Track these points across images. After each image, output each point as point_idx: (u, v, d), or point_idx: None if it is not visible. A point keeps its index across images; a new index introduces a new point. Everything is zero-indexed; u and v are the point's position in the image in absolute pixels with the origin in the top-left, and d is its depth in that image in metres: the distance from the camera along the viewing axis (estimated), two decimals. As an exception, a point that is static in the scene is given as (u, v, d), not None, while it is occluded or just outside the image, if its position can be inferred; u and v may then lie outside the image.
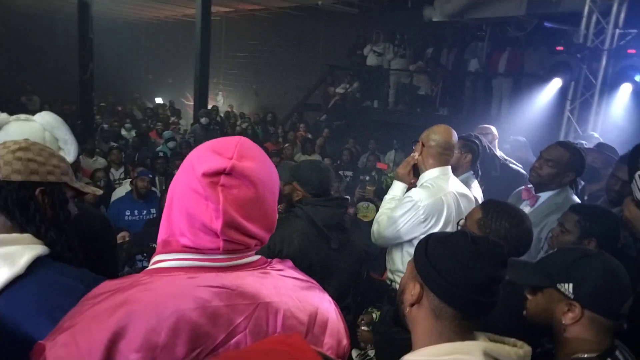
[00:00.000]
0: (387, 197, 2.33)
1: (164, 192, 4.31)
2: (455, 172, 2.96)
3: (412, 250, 1.55)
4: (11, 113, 1.69)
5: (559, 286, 1.25)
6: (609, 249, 1.88)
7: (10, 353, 0.91)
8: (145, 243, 3.10)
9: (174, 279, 0.82)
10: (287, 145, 8.02)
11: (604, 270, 1.22)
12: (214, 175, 0.82)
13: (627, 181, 2.24)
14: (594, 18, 5.94)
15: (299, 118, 11.14)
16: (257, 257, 0.93)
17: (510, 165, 3.69)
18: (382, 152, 8.13)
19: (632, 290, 1.74)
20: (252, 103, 14.98)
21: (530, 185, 2.44)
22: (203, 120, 8.07)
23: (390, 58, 10.24)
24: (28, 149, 1.11)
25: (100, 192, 1.52)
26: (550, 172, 2.30)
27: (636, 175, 2.00)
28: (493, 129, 3.91)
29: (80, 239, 1.48)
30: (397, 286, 1.65)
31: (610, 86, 5.90)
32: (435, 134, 2.21)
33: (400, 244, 2.17)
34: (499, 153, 3.87)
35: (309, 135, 9.08)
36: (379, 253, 2.96)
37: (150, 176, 4.73)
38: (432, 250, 1.03)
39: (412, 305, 1.05)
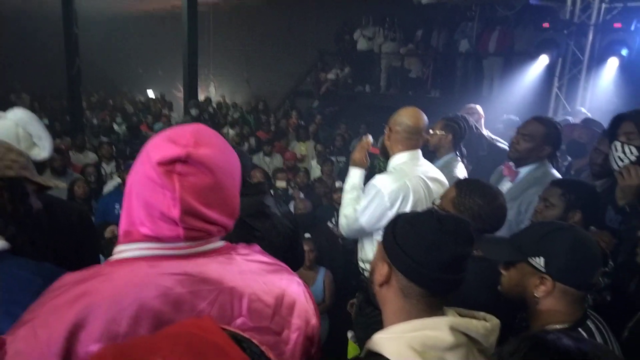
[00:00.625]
0: (346, 186, 2.32)
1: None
2: (437, 153, 2.97)
3: None
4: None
5: (530, 260, 1.27)
6: (593, 221, 1.91)
7: None
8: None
9: (134, 269, 0.83)
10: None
11: (573, 242, 1.23)
12: (169, 163, 0.82)
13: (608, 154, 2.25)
14: (580, -7, 5.90)
15: (291, 106, 11.09)
16: (222, 243, 0.93)
17: (498, 144, 3.70)
18: (375, 136, 8.10)
19: (612, 262, 1.78)
20: (245, 92, 14.88)
21: (511, 163, 2.45)
22: (193, 111, 8.03)
23: (380, 42, 10.18)
24: None
25: (64, 185, 1.52)
26: (527, 146, 2.34)
27: (613, 146, 2.02)
28: (479, 108, 3.91)
29: (57, 233, 1.49)
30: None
31: (597, 61, 5.89)
32: (402, 118, 2.19)
33: (370, 233, 2.16)
34: (485, 132, 3.87)
35: (302, 123, 9.06)
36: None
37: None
38: (399, 231, 1.04)
39: (381, 285, 1.06)
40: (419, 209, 2.05)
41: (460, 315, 1.06)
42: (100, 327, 0.75)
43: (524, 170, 2.40)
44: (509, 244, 1.34)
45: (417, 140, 2.21)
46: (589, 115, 4.61)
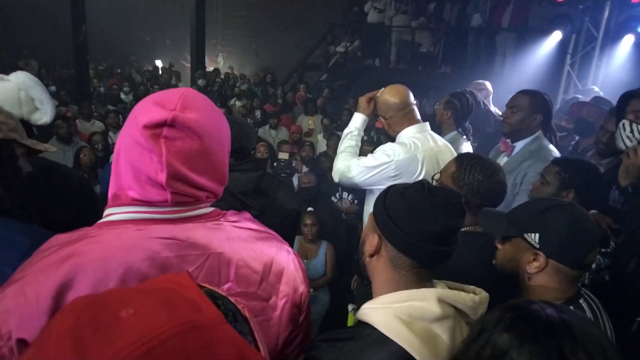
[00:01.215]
0: (346, 130, 2.32)
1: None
2: (442, 129, 2.94)
3: None
4: None
5: (525, 236, 1.26)
6: (589, 202, 1.89)
7: None
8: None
9: (122, 231, 0.83)
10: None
11: (569, 220, 1.22)
12: (156, 127, 0.81)
13: (615, 133, 2.22)
14: (598, -35, 5.69)
15: (299, 78, 10.98)
16: (211, 209, 0.93)
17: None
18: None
19: (614, 243, 1.76)
20: (253, 64, 14.75)
21: (508, 140, 2.45)
22: (200, 82, 7.99)
23: (391, 14, 9.97)
24: None
25: (54, 149, 1.51)
26: (517, 118, 2.37)
27: (620, 124, 1.98)
28: (487, 84, 3.84)
29: (55, 198, 1.51)
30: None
31: (612, 38, 5.72)
32: (387, 101, 2.17)
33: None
34: (493, 109, 3.82)
35: (310, 96, 8.97)
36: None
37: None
38: (389, 202, 1.04)
39: (371, 256, 1.06)
40: None
41: (450, 288, 1.07)
42: (87, 288, 0.76)
43: (519, 145, 2.41)
44: (507, 218, 1.33)
45: (412, 112, 2.17)
46: (601, 94, 4.50)
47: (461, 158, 1.64)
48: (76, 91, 8.73)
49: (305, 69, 11.61)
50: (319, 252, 3.70)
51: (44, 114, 1.72)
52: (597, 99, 3.79)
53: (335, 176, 2.24)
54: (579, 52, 6.10)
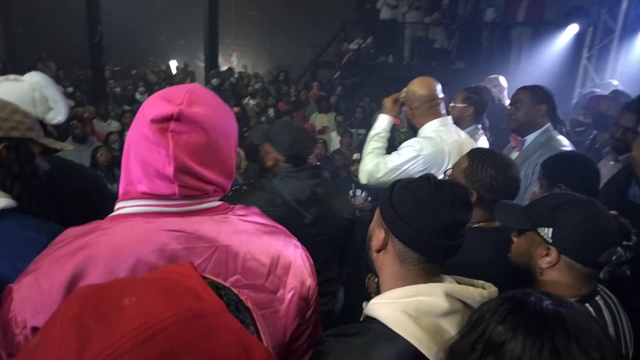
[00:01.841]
0: (372, 132, 2.30)
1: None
2: (460, 125, 2.92)
3: None
4: None
5: (539, 230, 1.24)
6: (585, 193, 1.84)
7: None
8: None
9: (132, 224, 0.85)
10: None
11: (584, 217, 1.19)
12: (163, 121, 0.83)
13: (629, 128, 2.18)
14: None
15: (312, 76, 10.99)
16: (218, 202, 0.94)
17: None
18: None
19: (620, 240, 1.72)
20: (266, 63, 14.79)
21: (518, 135, 2.45)
22: (214, 81, 8.04)
23: (404, 10, 9.90)
24: None
25: (70, 147, 1.54)
26: (522, 112, 2.38)
27: None
28: (502, 79, 3.79)
29: (70, 196, 1.53)
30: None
31: (631, 31, 5.57)
32: (415, 92, 2.18)
33: None
34: (508, 104, 3.77)
35: (323, 93, 8.97)
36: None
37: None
38: (395, 196, 1.03)
39: (378, 251, 1.06)
40: None
41: (460, 283, 1.06)
42: (99, 278, 0.78)
43: (529, 138, 2.41)
44: (523, 211, 1.32)
45: (438, 106, 2.19)
46: (621, 87, 4.41)
47: (474, 153, 1.62)
48: (92, 92, 8.87)
49: (318, 67, 11.61)
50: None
51: (58, 113, 1.75)
52: (615, 93, 3.72)
53: (364, 178, 2.23)
54: (596, 45, 5.96)
